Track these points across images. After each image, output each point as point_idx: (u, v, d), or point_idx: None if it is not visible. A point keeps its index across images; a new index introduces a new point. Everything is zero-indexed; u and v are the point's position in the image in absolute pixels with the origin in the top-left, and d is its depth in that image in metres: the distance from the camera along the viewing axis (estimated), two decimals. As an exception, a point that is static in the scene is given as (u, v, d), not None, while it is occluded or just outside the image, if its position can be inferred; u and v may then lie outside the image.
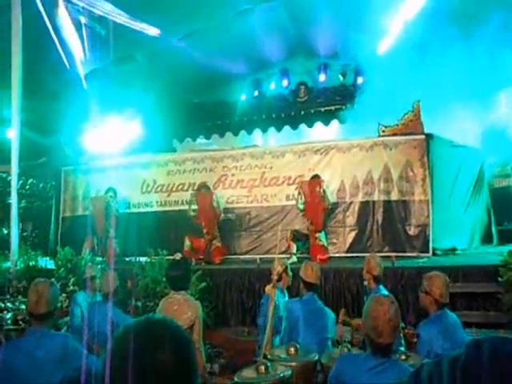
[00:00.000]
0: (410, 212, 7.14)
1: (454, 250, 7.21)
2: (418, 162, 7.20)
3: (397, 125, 7.64)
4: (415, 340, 3.45)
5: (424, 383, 0.85)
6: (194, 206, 7.58)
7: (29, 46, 7.48)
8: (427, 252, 6.88)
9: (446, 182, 7.48)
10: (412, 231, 7.10)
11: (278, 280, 4.36)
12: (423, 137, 7.27)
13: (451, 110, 8.09)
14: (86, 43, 9.75)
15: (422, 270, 4.49)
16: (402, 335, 3.70)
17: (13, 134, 7.90)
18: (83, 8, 9.15)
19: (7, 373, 2.52)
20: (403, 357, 2.84)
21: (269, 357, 3.26)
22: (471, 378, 0.78)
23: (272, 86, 12.62)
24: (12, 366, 2.52)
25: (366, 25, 9.31)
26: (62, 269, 6.52)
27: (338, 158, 7.73)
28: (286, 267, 4.54)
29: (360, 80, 11.41)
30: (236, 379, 2.90)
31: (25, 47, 7.50)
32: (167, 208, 8.61)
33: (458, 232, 7.58)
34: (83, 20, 9.56)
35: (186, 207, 7.87)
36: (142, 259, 6.57)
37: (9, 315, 5.03)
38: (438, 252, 6.98)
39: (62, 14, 9.20)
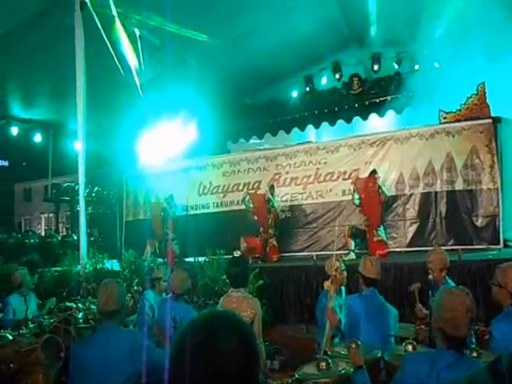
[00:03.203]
0: (477, 202, 6.74)
1: (528, 241, 6.70)
2: (485, 147, 6.78)
3: (459, 110, 7.23)
4: (487, 337, 3.22)
5: (504, 373, 0.79)
6: (250, 205, 7.65)
7: (88, 61, 7.88)
8: (498, 244, 6.47)
9: (518, 168, 6.96)
10: (480, 222, 6.69)
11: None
12: (490, 121, 6.84)
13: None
14: (141, 54, 10.14)
15: (493, 263, 4.18)
16: (472, 332, 3.47)
17: (79, 145, 8.37)
18: (138, 21, 9.52)
19: (80, 368, 2.66)
20: (474, 354, 2.65)
21: (329, 353, 3.17)
22: None
23: (324, 80, 12.39)
24: (85, 362, 2.66)
25: (419, 9, 8.88)
26: (127, 270, 6.82)
27: (396, 148, 7.46)
28: (338, 267, 4.34)
29: (416, 67, 10.91)
30: (297, 375, 2.85)
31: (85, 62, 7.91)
32: (223, 209, 8.76)
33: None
34: (138, 32, 9.94)
35: (241, 207, 7.96)
36: (201, 259, 6.70)
37: (80, 315, 5.29)
38: (511, 244, 6.52)
39: (119, 28, 9.63)
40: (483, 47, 7.74)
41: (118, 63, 9.70)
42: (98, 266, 7.47)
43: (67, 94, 8.24)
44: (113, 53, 9.50)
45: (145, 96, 10.26)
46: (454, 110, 7.29)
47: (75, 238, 10.54)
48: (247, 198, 7.76)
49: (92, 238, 10.00)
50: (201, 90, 10.35)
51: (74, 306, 5.61)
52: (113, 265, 7.64)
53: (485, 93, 7.01)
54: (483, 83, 7.03)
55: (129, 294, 5.57)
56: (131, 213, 9.84)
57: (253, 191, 8.11)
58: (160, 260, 7.27)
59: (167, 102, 10.08)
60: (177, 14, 9.10)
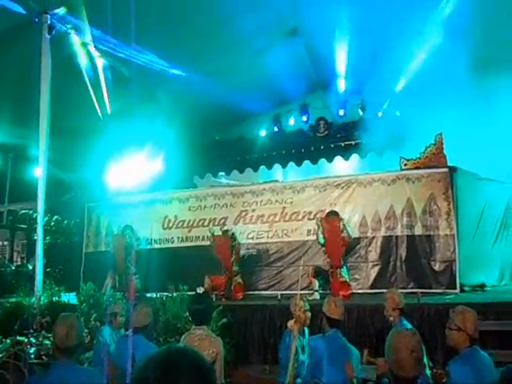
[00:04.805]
0: (435, 247, 6.99)
1: (482, 286, 6.98)
2: (442, 195, 7.11)
3: (419, 158, 7.57)
4: (444, 381, 3.30)
5: None
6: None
7: (54, 87, 7.79)
8: (454, 288, 6.69)
9: (472, 215, 7.33)
10: (437, 266, 6.93)
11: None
12: (447, 170, 7.20)
13: (475, 143, 7.97)
14: (106, 84, 10.13)
15: (450, 307, 4.33)
16: (430, 375, 3.54)
17: (39, 172, 8.13)
18: (108, 51, 9.58)
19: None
20: (432, 397, 2.71)
21: (292, 396, 3.15)
22: None
23: (291, 121, 12.77)
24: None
25: (385, 59, 9.41)
26: (85, 304, 6.54)
27: (359, 192, 7.70)
28: (302, 306, 4.32)
29: (380, 114, 11.47)
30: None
31: (51, 88, 7.82)
32: (188, 244, 8.66)
33: (486, 268, 7.36)
34: (108, 62, 9.98)
35: (207, 242, 7.90)
36: (163, 295, 6.54)
37: (32, 350, 5.04)
38: (466, 288, 6.78)
39: (88, 57, 9.64)
40: (443, 98, 8.23)
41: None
42: (54, 299, 7.14)
43: (31, 118, 8.04)
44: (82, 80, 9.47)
45: (112, 126, 10.20)
46: (414, 158, 7.65)
47: (30, 268, 10.05)
48: (212, 239, 7.73)
49: (49, 269, 9.54)
50: (170, 123, 10.42)
51: (26, 340, 5.33)
52: (69, 298, 7.32)
53: (442, 143, 7.40)
54: (441, 134, 7.43)
55: (86, 330, 5.35)
56: (92, 244, 9.53)
57: (218, 227, 8.05)
58: (120, 295, 7.04)
59: (135, 134, 10.05)
60: (148, 48, 9.28)
